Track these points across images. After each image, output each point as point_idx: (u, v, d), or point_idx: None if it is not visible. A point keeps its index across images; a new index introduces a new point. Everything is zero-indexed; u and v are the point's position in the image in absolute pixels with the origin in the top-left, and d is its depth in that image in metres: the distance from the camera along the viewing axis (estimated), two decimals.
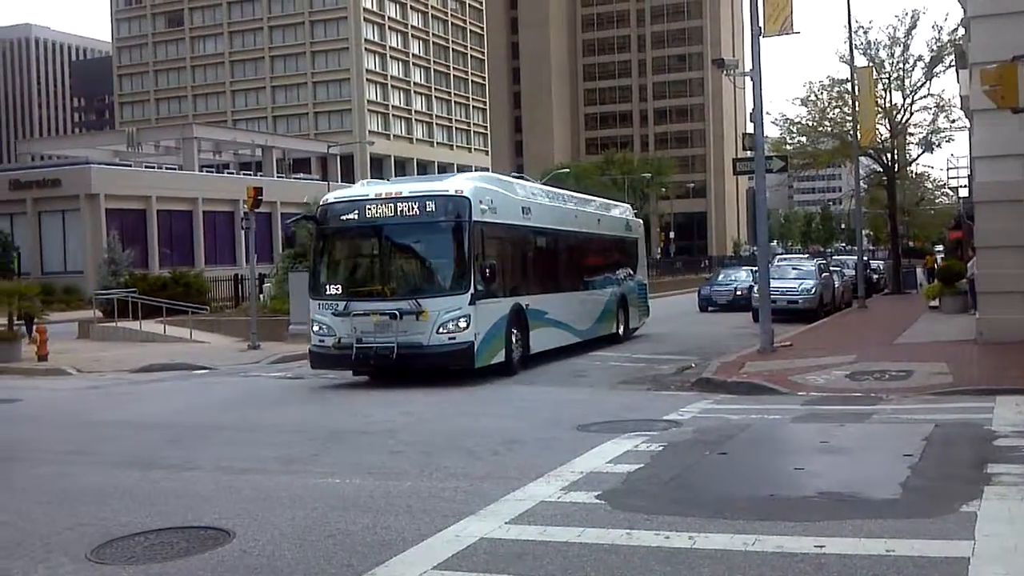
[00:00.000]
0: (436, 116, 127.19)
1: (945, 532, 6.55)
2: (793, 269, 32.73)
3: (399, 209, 16.62)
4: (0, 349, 22.62)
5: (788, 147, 41.16)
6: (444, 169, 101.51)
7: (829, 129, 40.26)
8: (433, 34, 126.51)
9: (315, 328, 16.99)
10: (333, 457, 10.29)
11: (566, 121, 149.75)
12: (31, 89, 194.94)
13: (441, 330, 16.15)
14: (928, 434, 10.07)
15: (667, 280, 62.09)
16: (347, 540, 6.86)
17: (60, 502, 8.45)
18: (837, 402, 12.95)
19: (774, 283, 24.29)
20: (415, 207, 16.60)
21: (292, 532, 7.10)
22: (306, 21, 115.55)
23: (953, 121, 38.82)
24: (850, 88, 36.28)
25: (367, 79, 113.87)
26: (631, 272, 26.06)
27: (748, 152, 21.47)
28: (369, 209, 16.86)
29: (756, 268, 39.89)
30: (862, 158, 39.57)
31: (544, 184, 26.93)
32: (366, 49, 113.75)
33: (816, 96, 40.62)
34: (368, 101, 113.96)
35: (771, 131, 43.31)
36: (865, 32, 38.98)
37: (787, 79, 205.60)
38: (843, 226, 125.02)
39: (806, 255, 59.10)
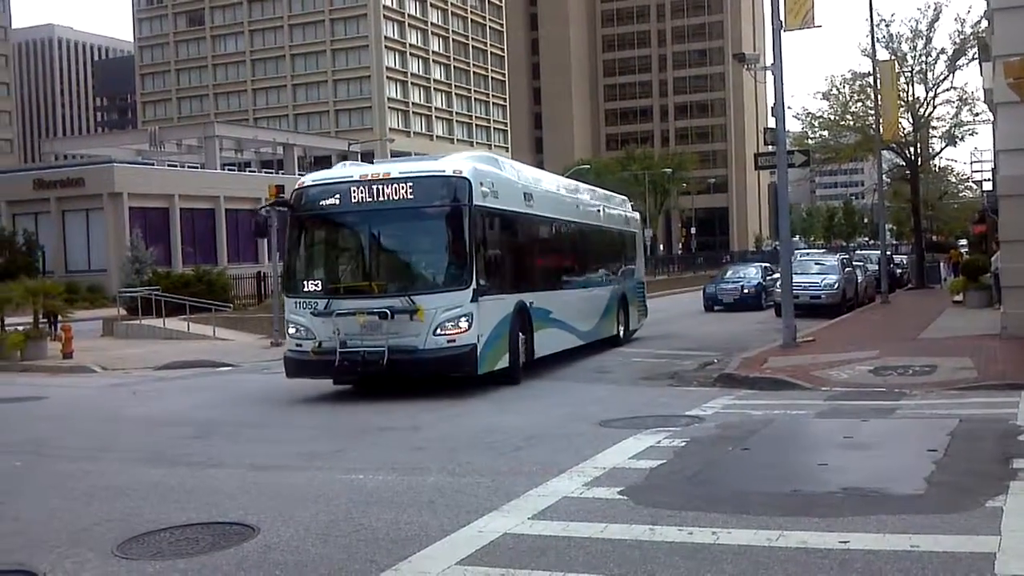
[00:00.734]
0: (456, 113, 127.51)
1: (970, 527, 6.49)
2: (816, 264, 32.63)
3: (388, 192, 14.44)
4: (26, 347, 22.78)
5: (810, 141, 40.94)
6: None
7: (851, 123, 39.96)
8: (453, 31, 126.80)
9: (291, 330, 15.02)
10: (356, 453, 10.33)
11: (586, 117, 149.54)
12: (54, 89, 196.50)
13: (439, 331, 14.14)
14: (952, 429, 10.01)
15: (687, 276, 61.77)
16: (370, 535, 6.88)
17: (85, 498, 8.51)
18: (860, 397, 12.85)
19: (796, 278, 24.12)
20: (407, 190, 14.42)
21: (316, 528, 7.13)
22: (326, 19, 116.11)
23: (976, 114, 38.53)
24: (872, 82, 36.04)
25: (387, 76, 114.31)
26: (632, 268, 24.50)
27: (770, 147, 21.37)
28: (353, 193, 14.61)
29: (767, 264, 39.99)
30: (885, 152, 39.37)
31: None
32: (386, 47, 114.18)
33: (838, 90, 40.41)
34: (388, 98, 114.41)
35: (793, 125, 43.22)
36: (887, 25, 38.98)
37: (809, 73, 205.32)
38: (866, 221, 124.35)
39: (823, 250, 58.83)
